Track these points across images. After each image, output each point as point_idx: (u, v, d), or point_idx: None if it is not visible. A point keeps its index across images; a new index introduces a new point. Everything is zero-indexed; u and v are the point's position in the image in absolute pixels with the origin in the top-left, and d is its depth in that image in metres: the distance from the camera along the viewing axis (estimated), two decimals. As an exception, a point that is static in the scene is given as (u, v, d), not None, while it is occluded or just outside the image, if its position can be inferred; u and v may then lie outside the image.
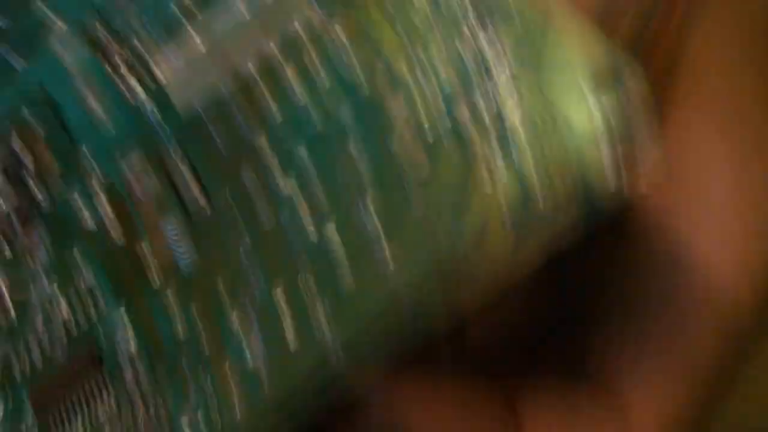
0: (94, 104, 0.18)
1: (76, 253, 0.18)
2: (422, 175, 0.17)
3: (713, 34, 0.21)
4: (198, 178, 0.17)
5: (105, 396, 0.18)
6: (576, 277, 0.22)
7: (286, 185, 0.17)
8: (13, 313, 0.18)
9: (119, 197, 0.18)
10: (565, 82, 0.17)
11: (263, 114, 0.17)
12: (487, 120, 0.17)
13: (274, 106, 0.17)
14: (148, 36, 0.17)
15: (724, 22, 0.21)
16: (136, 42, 0.17)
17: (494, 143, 0.17)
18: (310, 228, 0.17)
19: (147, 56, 0.17)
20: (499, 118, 0.17)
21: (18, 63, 0.18)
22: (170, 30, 0.17)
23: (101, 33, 0.18)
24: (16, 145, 0.18)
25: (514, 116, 0.17)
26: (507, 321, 0.22)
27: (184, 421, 0.18)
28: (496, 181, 0.17)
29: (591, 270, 0.22)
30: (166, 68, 0.17)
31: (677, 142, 0.21)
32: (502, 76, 0.17)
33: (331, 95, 0.17)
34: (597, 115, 0.16)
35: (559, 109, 0.17)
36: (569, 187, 0.17)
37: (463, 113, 0.17)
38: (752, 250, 0.21)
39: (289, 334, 0.17)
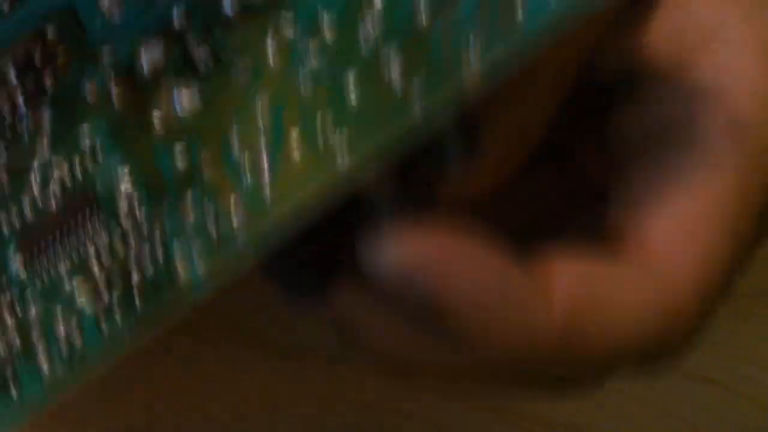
0: None
1: (80, 124, 0.19)
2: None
3: None
4: (208, 41, 0.18)
5: (97, 231, 0.18)
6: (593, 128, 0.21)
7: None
8: (5, 180, 0.19)
9: (127, 66, 0.18)
10: None
11: None
12: None
13: None
14: None
15: None
16: None
17: None
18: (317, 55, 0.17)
19: None
20: None
21: None
22: None
23: None
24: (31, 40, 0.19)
25: None
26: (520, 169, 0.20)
27: (178, 247, 0.17)
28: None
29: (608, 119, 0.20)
30: None
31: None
32: None
33: None
34: None
35: None
36: None
37: None
38: None
39: (297, 155, 0.17)
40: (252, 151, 0.17)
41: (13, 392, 0.18)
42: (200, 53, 0.18)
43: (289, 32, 0.17)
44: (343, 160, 0.16)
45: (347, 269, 0.18)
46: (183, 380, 0.28)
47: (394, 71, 0.16)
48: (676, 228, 0.19)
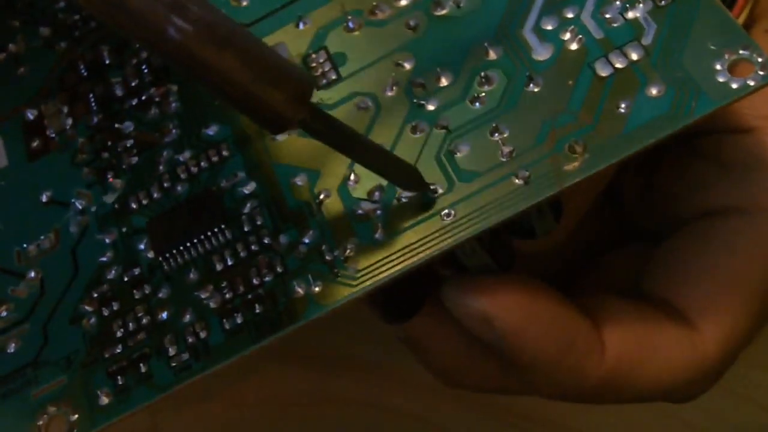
0: None
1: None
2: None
3: None
4: None
5: (221, 240, 0.20)
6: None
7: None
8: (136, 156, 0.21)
9: None
10: (703, 61, 0.18)
11: None
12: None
13: None
14: None
15: None
16: None
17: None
18: None
19: None
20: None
21: None
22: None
23: None
24: None
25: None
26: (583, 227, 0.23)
27: (295, 266, 0.19)
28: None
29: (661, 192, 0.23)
30: None
31: None
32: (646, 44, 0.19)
33: None
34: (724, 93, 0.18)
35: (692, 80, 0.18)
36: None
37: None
38: None
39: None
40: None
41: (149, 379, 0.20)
42: None
43: None
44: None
45: (428, 305, 0.21)
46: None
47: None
48: (710, 301, 0.21)
